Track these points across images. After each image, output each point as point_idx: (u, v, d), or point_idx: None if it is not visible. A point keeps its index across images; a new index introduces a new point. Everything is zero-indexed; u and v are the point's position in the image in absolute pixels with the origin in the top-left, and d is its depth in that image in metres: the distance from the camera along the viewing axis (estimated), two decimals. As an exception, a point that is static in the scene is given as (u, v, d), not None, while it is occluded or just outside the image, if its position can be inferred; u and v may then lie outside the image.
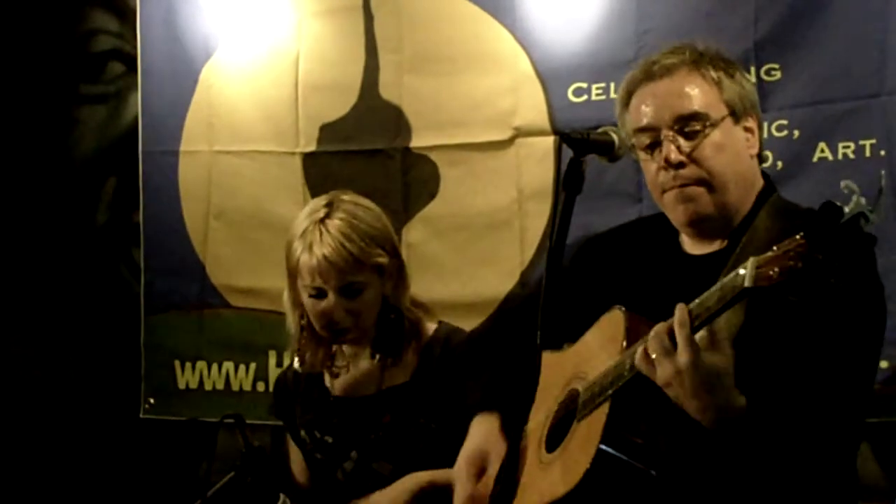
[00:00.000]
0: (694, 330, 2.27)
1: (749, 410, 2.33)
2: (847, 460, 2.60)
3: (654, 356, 2.31)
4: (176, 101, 5.26)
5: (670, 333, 2.29)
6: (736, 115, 2.65)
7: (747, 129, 2.67)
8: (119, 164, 5.48)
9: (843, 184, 2.03)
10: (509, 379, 2.86)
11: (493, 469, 2.76)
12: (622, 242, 2.88)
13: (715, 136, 2.61)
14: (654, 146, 2.65)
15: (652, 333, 2.31)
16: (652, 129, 2.64)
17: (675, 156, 2.61)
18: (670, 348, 2.28)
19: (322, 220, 3.27)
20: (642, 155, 2.68)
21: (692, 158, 2.61)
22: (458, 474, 2.84)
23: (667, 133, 2.62)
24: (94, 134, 5.57)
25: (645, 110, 2.66)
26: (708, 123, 2.61)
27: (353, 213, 3.30)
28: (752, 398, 2.34)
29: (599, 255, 2.87)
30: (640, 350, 2.35)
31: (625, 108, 2.72)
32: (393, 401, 3.37)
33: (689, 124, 2.62)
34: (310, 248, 3.25)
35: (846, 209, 2.03)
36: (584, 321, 2.73)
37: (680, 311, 2.27)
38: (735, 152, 2.65)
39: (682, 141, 2.62)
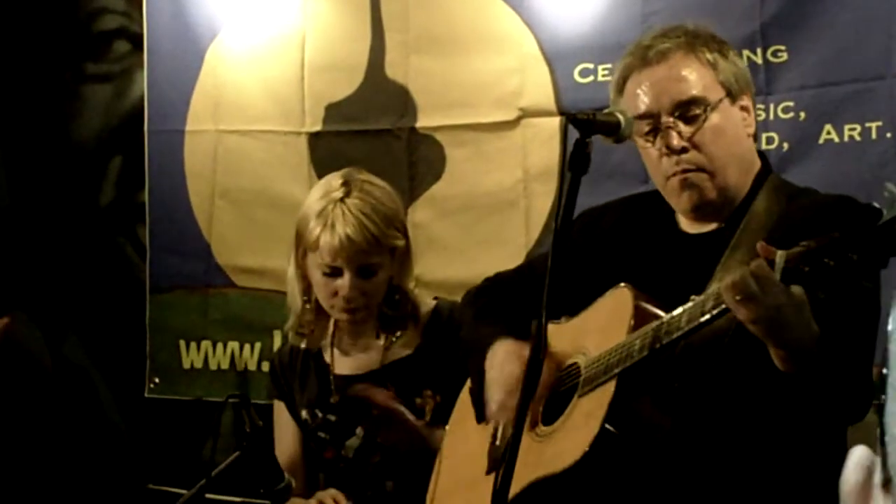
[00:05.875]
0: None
1: (821, 340, 2.32)
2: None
3: (738, 298, 2.27)
4: (182, 80, 5.25)
5: (757, 273, 2.26)
6: (732, 95, 2.67)
7: (743, 108, 2.69)
8: (124, 143, 5.48)
9: (886, 185, 2.02)
10: (516, 329, 2.86)
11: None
12: (618, 217, 2.89)
13: (714, 118, 2.63)
14: (654, 132, 2.65)
15: (740, 277, 2.27)
16: (651, 116, 2.64)
17: (677, 142, 2.62)
18: (756, 289, 2.25)
19: (342, 199, 3.27)
20: (641, 141, 2.68)
21: (693, 143, 2.62)
22: (498, 369, 2.79)
23: (667, 119, 2.63)
24: (99, 113, 5.56)
25: (643, 97, 2.66)
26: (707, 107, 2.62)
27: (371, 193, 3.32)
28: (824, 331, 2.33)
29: (595, 229, 2.87)
30: (723, 286, 2.31)
31: (619, 95, 2.73)
32: (396, 374, 3.39)
33: (689, 109, 2.63)
34: (332, 226, 3.25)
35: (885, 211, 2.03)
36: (578, 294, 2.73)
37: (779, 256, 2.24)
38: (734, 134, 2.66)
39: (682, 126, 2.63)
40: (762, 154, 2.78)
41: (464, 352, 3.00)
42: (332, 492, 3.39)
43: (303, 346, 3.51)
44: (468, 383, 3.04)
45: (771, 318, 2.27)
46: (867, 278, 2.07)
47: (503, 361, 2.78)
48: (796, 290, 2.25)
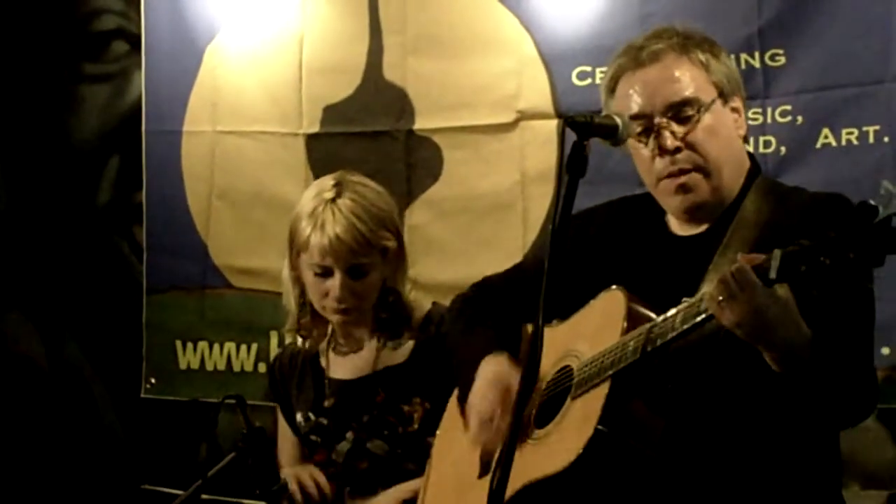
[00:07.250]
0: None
1: (814, 340, 2.32)
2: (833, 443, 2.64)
3: (721, 300, 2.28)
4: (180, 80, 5.25)
5: (736, 276, 2.26)
6: (724, 96, 2.67)
7: (734, 110, 2.69)
8: (122, 143, 5.48)
9: (882, 183, 2.02)
10: (507, 333, 2.86)
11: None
12: (608, 220, 2.88)
13: (707, 119, 2.63)
14: (646, 133, 2.65)
15: (721, 280, 2.28)
16: (643, 117, 2.64)
17: (671, 142, 2.62)
18: (737, 291, 2.26)
19: (333, 200, 3.28)
20: (632, 142, 2.68)
21: (687, 143, 2.62)
22: (479, 396, 2.78)
23: (660, 120, 2.63)
24: (97, 113, 5.57)
25: (635, 98, 2.66)
26: (700, 108, 2.62)
27: (363, 195, 3.31)
28: (816, 332, 2.33)
29: (585, 233, 2.86)
30: (707, 294, 2.32)
31: (611, 96, 2.73)
32: (387, 380, 3.38)
33: (682, 110, 2.63)
34: (322, 226, 3.25)
35: (881, 209, 2.03)
36: (569, 297, 2.73)
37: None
38: (727, 135, 2.66)
39: (675, 126, 2.63)
40: (751, 155, 2.79)
41: (454, 364, 2.99)
42: (311, 469, 3.39)
43: (306, 345, 3.50)
44: (457, 389, 3.03)
45: (755, 321, 2.27)
46: (863, 277, 2.06)
47: (485, 390, 2.78)
48: (781, 290, 2.25)
